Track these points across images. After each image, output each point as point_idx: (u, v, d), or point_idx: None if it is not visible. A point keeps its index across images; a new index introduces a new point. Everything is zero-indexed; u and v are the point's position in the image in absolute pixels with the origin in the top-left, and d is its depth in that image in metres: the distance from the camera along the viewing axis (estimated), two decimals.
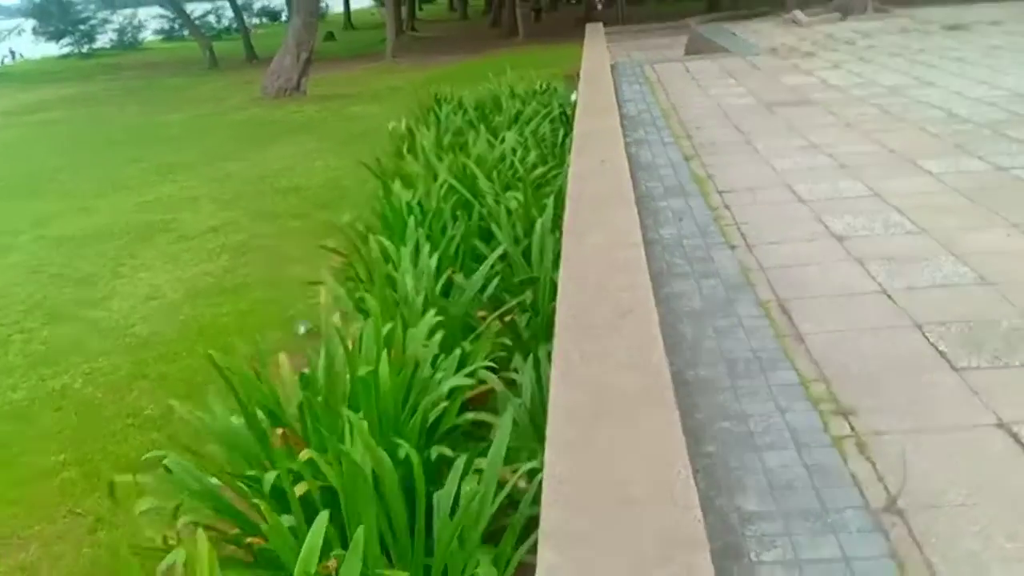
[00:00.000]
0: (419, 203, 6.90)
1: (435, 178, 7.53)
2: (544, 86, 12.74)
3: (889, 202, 5.03)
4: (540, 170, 7.74)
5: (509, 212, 6.48)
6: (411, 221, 6.13)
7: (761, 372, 3.16)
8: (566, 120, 10.50)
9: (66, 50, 42.56)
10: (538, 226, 5.79)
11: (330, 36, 43.14)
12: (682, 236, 4.84)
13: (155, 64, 37.78)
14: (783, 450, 2.68)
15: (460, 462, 3.14)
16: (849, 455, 2.62)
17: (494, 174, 7.44)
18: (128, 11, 45.34)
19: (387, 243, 6.00)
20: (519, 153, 8.52)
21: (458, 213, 6.58)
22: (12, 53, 46.43)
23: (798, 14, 15.66)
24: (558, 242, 5.78)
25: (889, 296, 3.73)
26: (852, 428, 2.76)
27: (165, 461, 3.48)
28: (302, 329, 6.81)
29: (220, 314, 7.73)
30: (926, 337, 3.30)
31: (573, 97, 12.66)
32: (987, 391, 2.88)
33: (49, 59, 42.49)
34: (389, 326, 4.22)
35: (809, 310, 3.68)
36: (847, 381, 3.05)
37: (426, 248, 5.72)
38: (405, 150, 9.16)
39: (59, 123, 21.65)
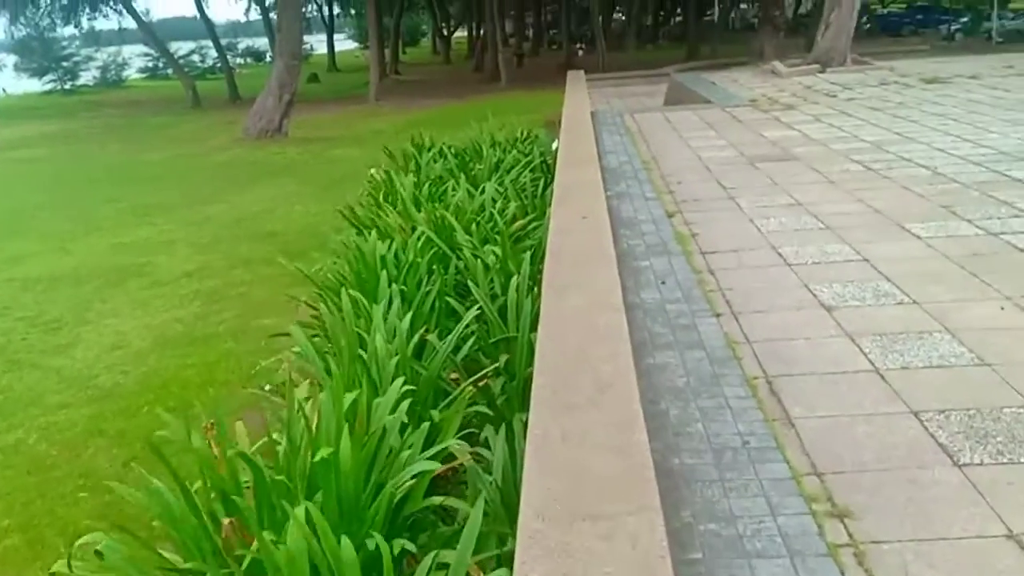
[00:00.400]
0: (395, 255, 6.66)
1: (412, 229, 7.30)
2: (525, 134, 12.59)
3: (878, 268, 4.82)
4: (520, 222, 7.52)
5: (487, 267, 6.24)
6: (384, 276, 5.87)
7: (750, 463, 2.91)
8: (547, 168, 10.33)
9: (49, 86, 42.30)
10: (515, 283, 5.55)
11: (314, 78, 43.07)
12: (665, 301, 4.61)
13: (138, 102, 37.58)
14: (775, 558, 2.43)
15: (428, 560, 2.87)
16: (847, 567, 2.37)
17: (473, 226, 7.21)
18: (112, 49, 45.17)
19: (360, 299, 5.74)
20: (499, 204, 8.31)
21: (435, 267, 6.34)
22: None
23: (777, 65, 15.64)
24: (536, 299, 5.55)
25: (883, 377, 3.50)
26: (849, 534, 2.50)
27: (99, 546, 3.18)
28: (267, 385, 6.51)
29: (186, 365, 7.43)
30: (924, 426, 3.07)
31: (554, 145, 12.51)
32: (993, 493, 2.64)
33: (31, 95, 42.20)
34: (354, 395, 3.96)
35: (799, 390, 3.44)
36: (841, 476, 2.80)
37: (399, 305, 5.47)
38: (382, 198, 8.93)
39: (41, 160, 21.34)
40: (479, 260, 6.34)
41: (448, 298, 5.67)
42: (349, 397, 3.88)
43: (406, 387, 4.30)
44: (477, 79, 37.12)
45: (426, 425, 3.81)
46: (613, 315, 3.86)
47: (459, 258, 6.56)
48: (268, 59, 63.38)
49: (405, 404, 3.95)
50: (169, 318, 8.78)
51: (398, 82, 39.64)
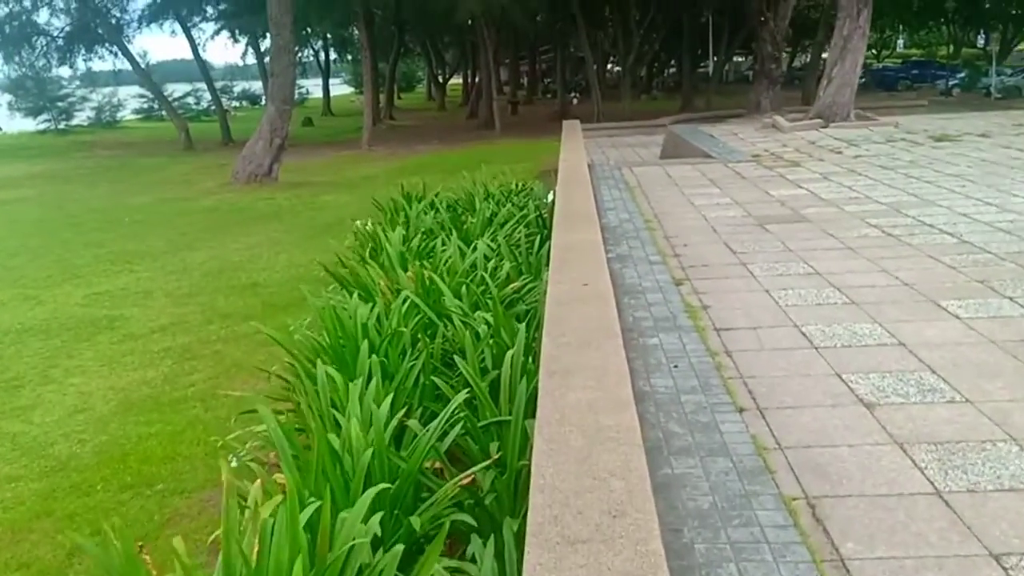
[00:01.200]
0: (378, 320, 6.06)
1: (397, 292, 6.71)
2: (520, 185, 12.08)
3: (918, 355, 4.24)
4: (514, 284, 6.95)
5: (478, 336, 5.65)
6: (364, 347, 5.27)
7: None
8: (542, 223, 9.79)
9: (43, 126, 41.88)
10: (509, 358, 4.96)
11: (308, 122, 42.84)
12: (679, 390, 4.01)
13: (131, 143, 37.15)
14: None
15: None
16: None
17: (463, 289, 6.63)
18: (108, 89, 44.88)
19: (335, 376, 5.13)
20: (492, 262, 7.75)
21: (420, 336, 5.74)
22: None
23: (779, 119, 15.22)
24: (533, 377, 4.95)
25: (947, 503, 2.90)
26: None
27: None
28: (234, 463, 5.87)
29: (149, 435, 6.79)
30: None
31: (550, 197, 12.00)
32: None
33: (25, 134, 41.77)
34: (316, 506, 3.34)
35: (848, 518, 2.83)
36: None
37: (378, 381, 4.87)
38: (368, 254, 8.35)
39: (26, 201, 20.75)
40: (469, 329, 5.76)
41: (434, 377, 5.06)
42: (309, 510, 3.27)
43: (382, 485, 3.71)
44: (471, 126, 36.84)
45: (399, 549, 3.19)
46: (623, 414, 3.27)
47: (447, 326, 5.97)
48: (263, 103, 63.39)
49: (376, 518, 3.34)
50: (137, 379, 8.14)
51: (392, 127, 39.34)
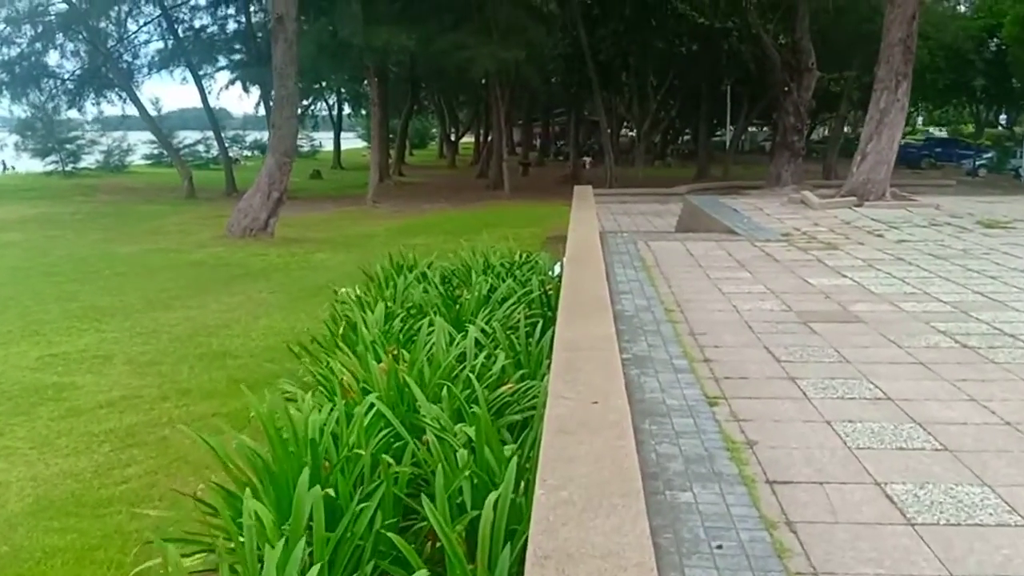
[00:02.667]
0: (332, 434, 4.83)
1: (365, 391, 5.49)
2: (523, 256, 10.91)
3: None
4: (508, 386, 5.72)
5: (455, 462, 4.42)
6: (305, 477, 4.02)
7: None
8: (547, 302, 8.61)
9: (50, 167, 41.17)
10: (491, 504, 3.74)
11: (316, 175, 42.07)
12: None
13: (135, 189, 36.30)
14: None
15: None
16: None
17: (444, 391, 5.40)
18: (118, 134, 44.26)
19: (265, 515, 3.89)
20: (484, 352, 6.54)
21: (383, 458, 4.50)
22: (3, 165, 45.05)
23: (808, 195, 14.07)
24: (521, 539, 3.74)
25: None
26: None
27: None
28: None
29: (56, 549, 5.58)
30: None
31: (556, 269, 10.82)
32: None
33: (31, 175, 41.06)
34: None
35: None
36: None
37: (320, 529, 3.62)
38: (340, 334, 7.12)
39: (10, 246, 19.69)
40: (445, 444, 4.53)
41: (391, 534, 3.81)
42: None
43: None
44: (480, 186, 35.93)
45: None
46: None
47: (418, 445, 4.73)
48: None
49: None
50: (65, 468, 6.93)
51: (400, 184, 38.46)
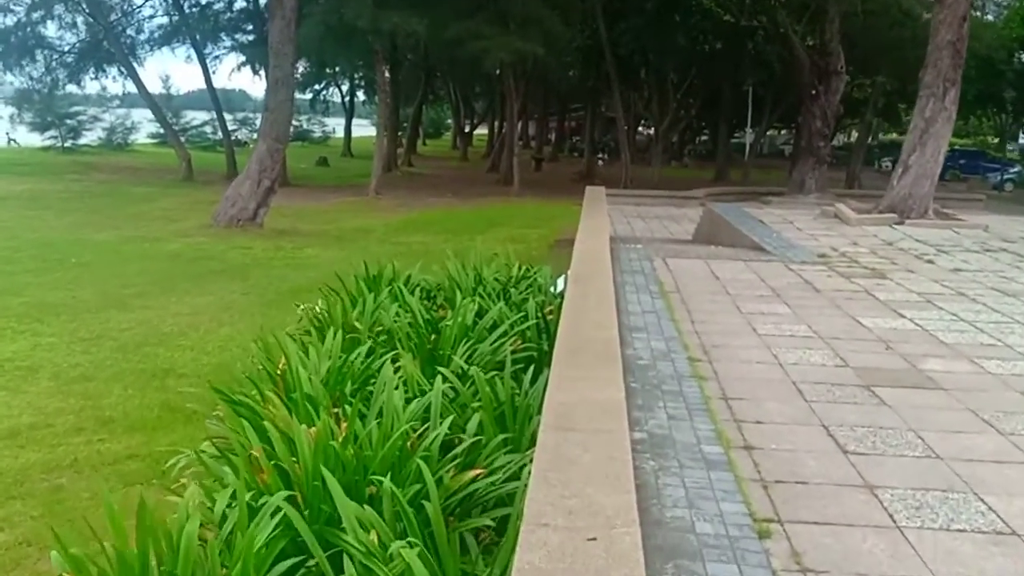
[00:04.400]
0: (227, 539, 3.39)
1: (281, 475, 4.03)
2: (522, 270, 9.42)
3: None
4: (476, 471, 4.25)
5: None
6: None
7: None
8: (545, 328, 7.16)
9: (49, 142, 39.83)
10: None
11: (323, 162, 40.61)
12: None
13: (133, 168, 34.89)
14: None
15: None
16: None
17: (388, 478, 3.94)
18: (122, 111, 42.88)
19: None
20: (458, 401, 5.12)
21: None
22: (8, 138, 43.73)
23: (843, 208, 12.53)
24: None
25: None
26: None
27: None
28: None
29: None
30: None
31: (560, 285, 9.37)
32: None
33: (27, 149, 39.73)
34: None
35: None
36: None
37: None
38: (279, 376, 5.65)
39: None
40: None
41: None
42: None
43: None
44: (490, 180, 34.44)
45: None
46: None
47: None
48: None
49: None
50: None
51: (408, 175, 37.00)
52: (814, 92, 22.96)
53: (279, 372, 5.63)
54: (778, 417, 4.42)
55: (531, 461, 4.05)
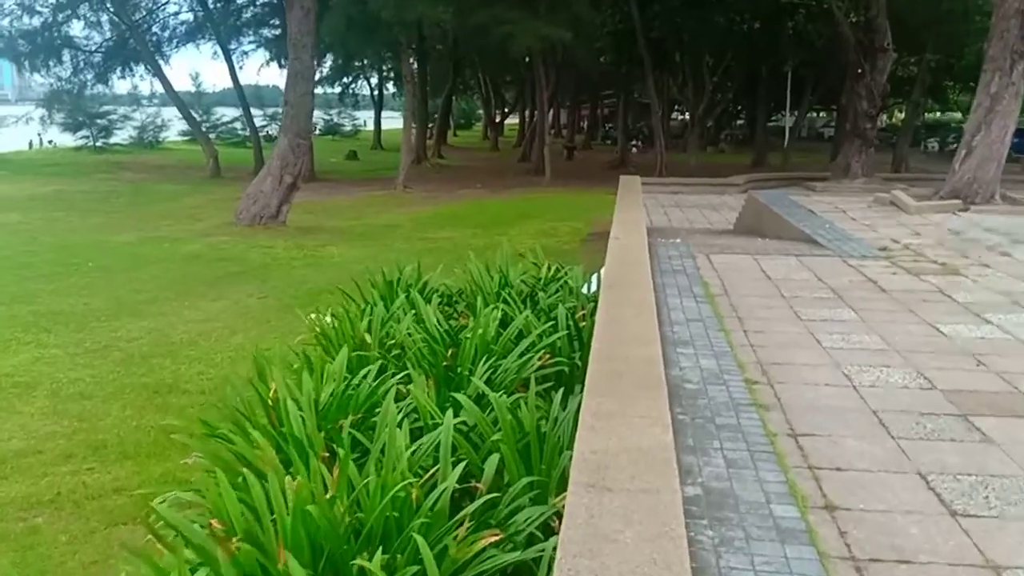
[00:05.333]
0: None
1: (256, 544, 3.29)
2: (552, 271, 8.62)
3: None
4: (488, 538, 3.47)
5: None
6: None
7: None
8: (578, 335, 6.40)
9: (81, 142, 39.69)
10: None
11: (353, 155, 40.05)
12: None
13: (163, 166, 34.56)
14: None
15: None
16: None
17: (385, 544, 3.19)
18: (153, 109, 42.62)
19: None
20: (470, 443, 4.38)
21: None
22: (41, 139, 43.66)
23: (902, 196, 11.54)
24: None
25: None
26: None
27: None
28: None
29: None
30: None
31: (593, 285, 8.58)
32: None
33: (60, 150, 39.65)
34: None
35: None
36: None
37: None
38: (271, 407, 4.91)
39: (0, 228, 17.86)
40: None
41: None
42: None
43: None
44: (522, 170, 33.59)
45: None
46: None
47: None
48: (317, 132, 60.77)
49: None
50: None
51: (437, 166, 36.28)
52: (859, 71, 21.85)
53: (271, 399, 4.89)
54: (861, 461, 3.60)
55: (558, 519, 3.31)
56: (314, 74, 20.60)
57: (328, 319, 7.01)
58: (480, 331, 6.02)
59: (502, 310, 6.85)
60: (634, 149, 40.72)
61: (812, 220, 10.51)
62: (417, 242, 16.28)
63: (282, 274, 13.31)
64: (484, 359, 5.68)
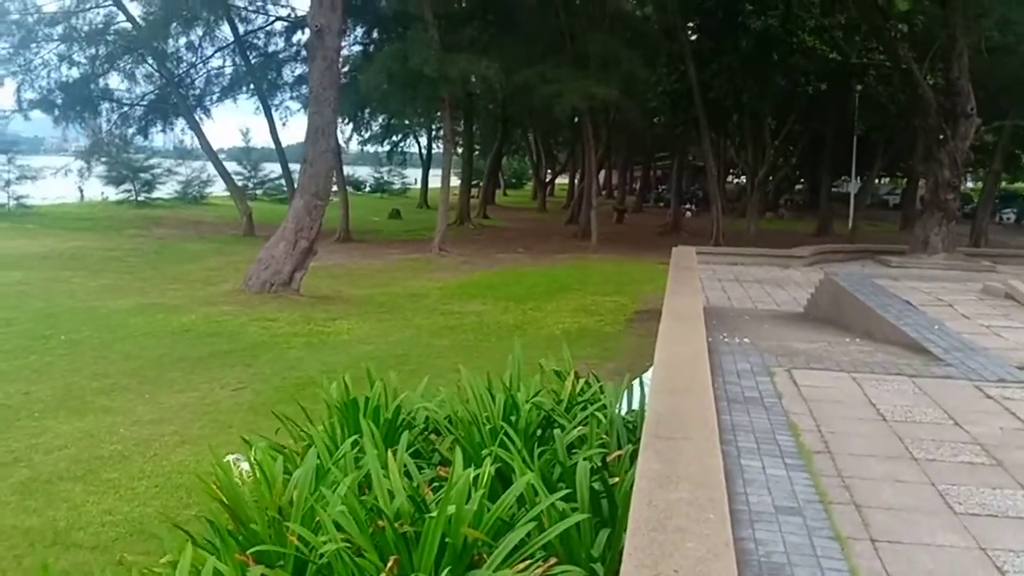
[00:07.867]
0: None
1: None
2: (585, 387, 6.37)
3: None
4: None
5: None
6: None
7: None
8: (608, 503, 4.25)
9: (122, 196, 38.81)
10: None
11: (396, 214, 38.52)
12: None
13: (198, 223, 33.22)
14: None
15: None
16: None
17: None
18: (198, 163, 41.67)
19: None
20: None
21: None
22: (82, 191, 42.91)
23: (1019, 286, 9.21)
24: None
25: None
26: None
27: None
28: None
29: None
30: None
31: (635, 396, 6.38)
32: None
33: (98, 204, 38.77)
34: None
35: None
36: None
37: None
38: None
39: None
40: None
41: None
42: None
43: None
44: (568, 233, 31.58)
45: None
46: None
47: None
48: (367, 189, 59.57)
49: None
50: None
51: (481, 227, 34.45)
52: (941, 137, 19.55)
53: None
54: None
55: None
56: (336, 129, 18.91)
57: (244, 467, 4.91)
58: (452, 509, 3.84)
59: (499, 457, 4.69)
60: (688, 213, 38.52)
61: (914, 317, 8.19)
62: (439, 317, 14.24)
63: (273, 356, 11.31)
64: (452, 565, 3.51)
